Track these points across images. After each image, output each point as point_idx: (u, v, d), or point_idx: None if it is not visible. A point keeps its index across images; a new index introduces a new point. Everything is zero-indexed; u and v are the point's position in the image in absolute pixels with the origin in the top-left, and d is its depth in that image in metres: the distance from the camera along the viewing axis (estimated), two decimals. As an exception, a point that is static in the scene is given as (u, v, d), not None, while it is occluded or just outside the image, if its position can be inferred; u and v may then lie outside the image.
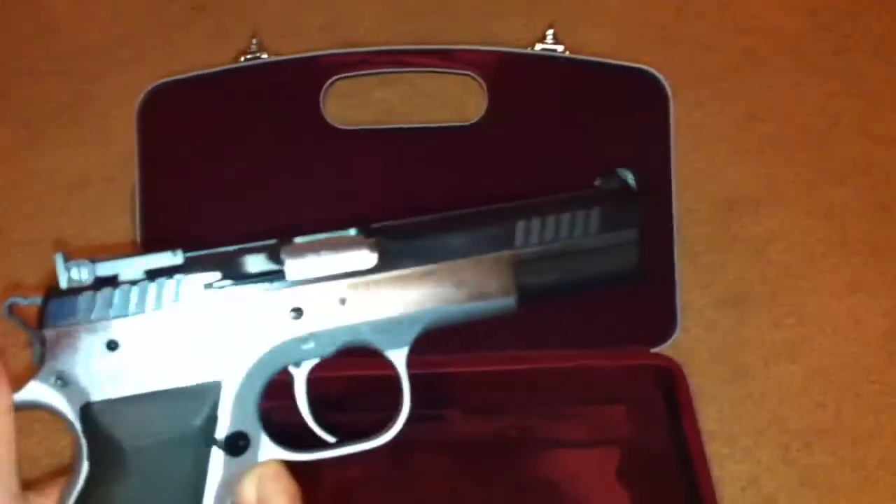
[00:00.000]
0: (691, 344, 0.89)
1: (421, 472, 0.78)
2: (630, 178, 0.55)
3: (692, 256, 0.97)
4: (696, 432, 0.77)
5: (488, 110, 0.82)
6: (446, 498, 0.76)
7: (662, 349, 0.83)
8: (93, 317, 0.42)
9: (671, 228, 0.83)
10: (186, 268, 0.43)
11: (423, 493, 0.77)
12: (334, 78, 0.81)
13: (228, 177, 0.82)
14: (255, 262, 0.44)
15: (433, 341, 0.78)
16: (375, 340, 0.47)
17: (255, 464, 0.45)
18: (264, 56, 0.83)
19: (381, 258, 0.46)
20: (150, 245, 0.81)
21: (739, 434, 0.83)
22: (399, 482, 0.77)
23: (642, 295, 0.83)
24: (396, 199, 0.82)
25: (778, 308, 0.93)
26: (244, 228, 0.78)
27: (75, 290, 0.42)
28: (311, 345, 0.46)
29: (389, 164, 0.82)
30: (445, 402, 0.82)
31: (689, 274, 0.93)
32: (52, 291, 0.42)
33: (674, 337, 0.83)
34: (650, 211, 0.80)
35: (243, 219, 0.82)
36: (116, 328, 0.42)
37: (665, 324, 0.83)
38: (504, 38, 1.15)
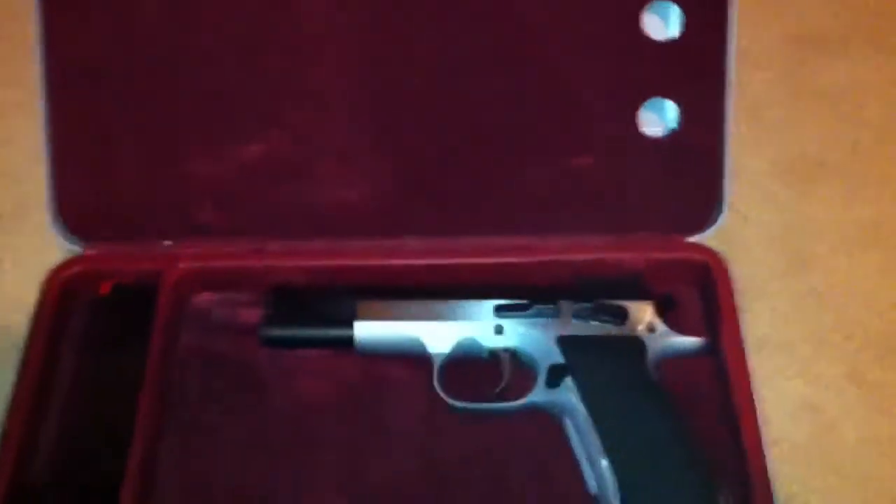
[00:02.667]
0: (740, 224, 0.71)
1: (392, 392, 0.64)
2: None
3: (748, 111, 0.77)
4: (738, 344, 0.62)
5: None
6: (423, 424, 0.62)
7: (703, 237, 0.66)
8: None
9: (723, 74, 0.64)
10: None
11: (394, 418, 0.63)
12: None
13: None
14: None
15: (422, 223, 0.67)
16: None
17: None
18: None
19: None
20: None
21: (796, 342, 0.66)
22: (366, 405, 0.64)
23: (678, 166, 0.66)
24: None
25: (855, 179, 0.75)
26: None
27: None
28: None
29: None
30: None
31: (741, 133, 0.73)
32: None
33: (718, 224, 0.66)
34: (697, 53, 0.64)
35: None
36: None
37: (706, 205, 0.66)
38: None
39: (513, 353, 0.62)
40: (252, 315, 0.66)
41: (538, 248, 0.67)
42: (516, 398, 0.61)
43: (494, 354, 0.62)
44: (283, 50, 0.65)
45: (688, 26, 0.64)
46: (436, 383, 0.61)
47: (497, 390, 0.61)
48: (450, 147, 0.66)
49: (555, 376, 0.60)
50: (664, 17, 0.64)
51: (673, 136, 0.65)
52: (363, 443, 0.61)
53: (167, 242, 0.67)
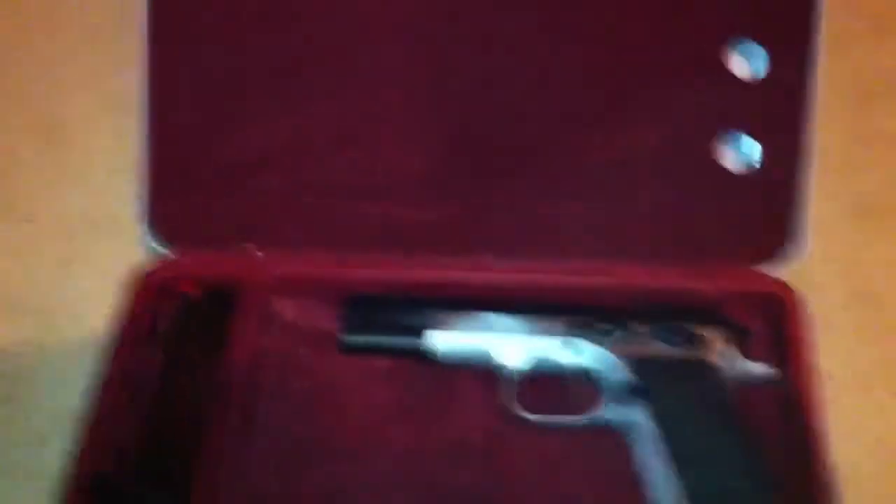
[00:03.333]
0: (805, 260, 0.71)
1: (459, 402, 0.65)
2: None
3: (817, 153, 0.78)
4: (811, 377, 0.62)
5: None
6: (487, 434, 0.64)
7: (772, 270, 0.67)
8: None
9: (805, 112, 0.66)
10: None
11: (460, 427, 0.64)
12: None
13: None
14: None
15: (477, 243, 0.68)
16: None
17: None
18: None
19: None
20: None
21: (860, 377, 0.67)
22: (433, 414, 0.65)
23: (755, 198, 0.67)
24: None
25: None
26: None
27: None
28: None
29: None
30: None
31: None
32: None
33: (795, 258, 0.67)
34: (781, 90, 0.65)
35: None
36: None
37: (780, 234, 0.67)
38: None
39: (584, 371, 0.63)
40: (329, 321, 0.67)
41: (607, 271, 0.67)
42: (586, 414, 0.62)
43: (566, 371, 0.63)
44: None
45: (772, 64, 0.65)
46: (508, 397, 0.62)
47: (568, 406, 0.62)
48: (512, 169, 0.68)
49: (626, 396, 0.61)
50: (749, 57, 0.66)
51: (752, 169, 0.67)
52: (429, 450, 0.63)
53: (252, 248, 0.69)
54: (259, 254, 0.69)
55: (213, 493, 0.59)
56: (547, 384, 0.64)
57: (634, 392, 0.60)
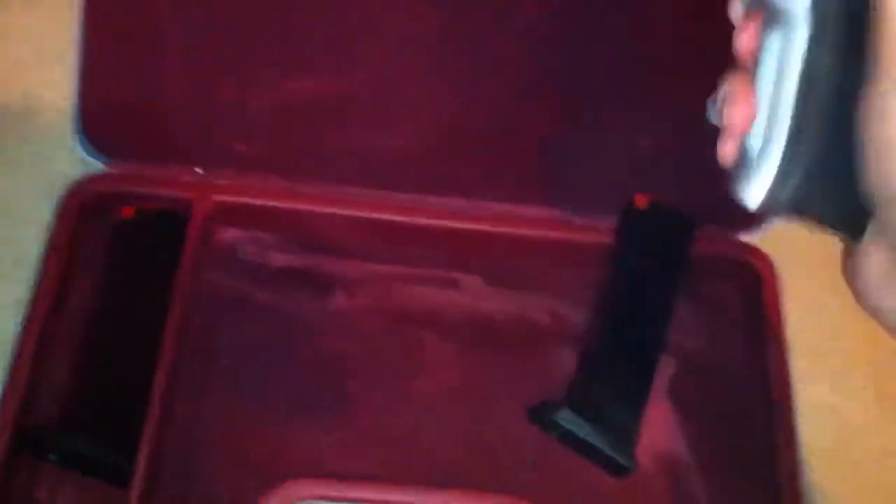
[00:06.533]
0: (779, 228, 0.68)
1: (424, 357, 0.61)
2: None
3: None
4: (782, 357, 0.61)
5: None
6: (453, 394, 0.60)
7: (752, 237, 0.65)
8: None
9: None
10: None
11: (424, 385, 0.60)
12: None
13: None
14: None
15: (453, 181, 0.62)
16: None
17: None
18: None
19: None
20: None
21: (822, 348, 0.65)
22: (397, 368, 0.60)
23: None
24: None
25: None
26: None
27: None
28: None
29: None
30: (462, 266, 0.64)
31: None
32: None
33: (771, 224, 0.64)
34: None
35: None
36: None
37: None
38: None
39: None
40: (281, 258, 0.63)
41: (578, 226, 0.63)
42: None
43: None
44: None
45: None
46: None
47: None
48: (508, 112, 0.62)
49: None
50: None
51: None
52: (388, 402, 0.59)
53: (199, 170, 0.63)
54: (199, 171, 0.63)
55: (158, 443, 0.54)
56: None
57: None
